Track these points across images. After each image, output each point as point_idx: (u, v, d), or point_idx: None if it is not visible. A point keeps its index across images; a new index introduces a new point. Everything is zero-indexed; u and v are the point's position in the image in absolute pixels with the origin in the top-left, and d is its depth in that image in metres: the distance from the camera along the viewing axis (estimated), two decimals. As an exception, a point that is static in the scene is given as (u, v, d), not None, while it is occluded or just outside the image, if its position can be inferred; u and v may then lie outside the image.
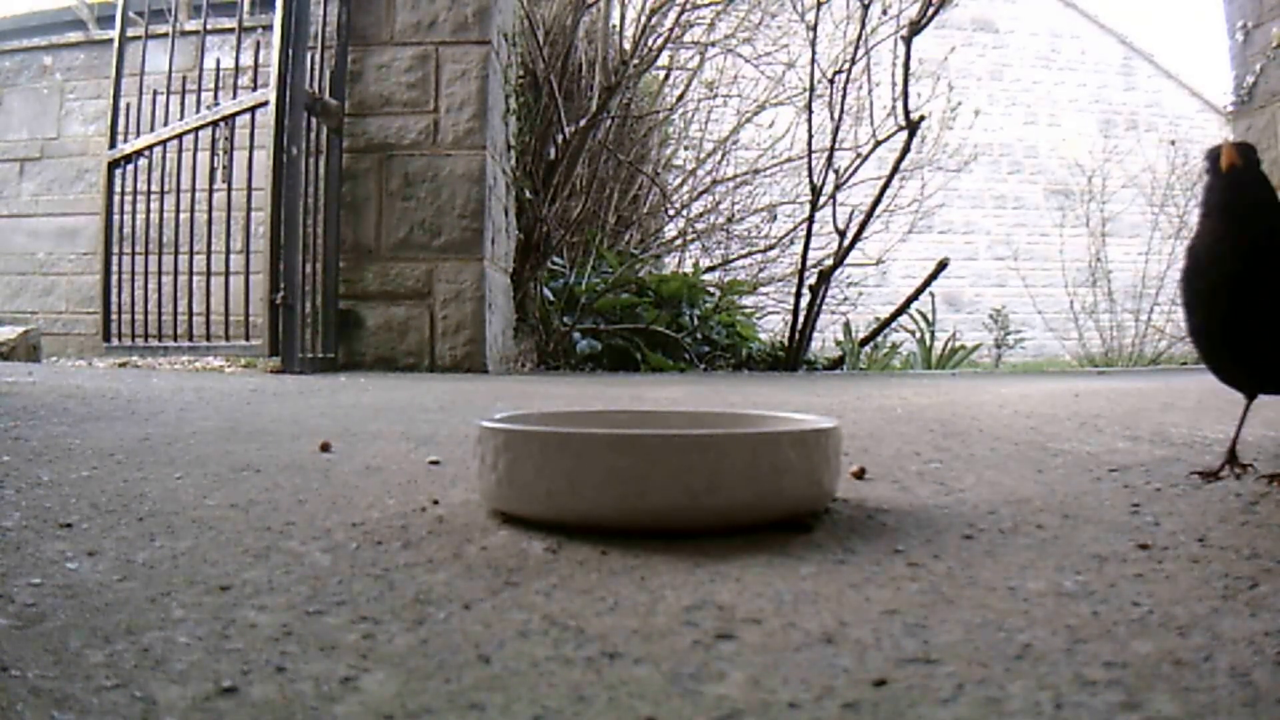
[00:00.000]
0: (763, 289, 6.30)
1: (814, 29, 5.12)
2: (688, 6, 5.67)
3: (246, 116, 3.70)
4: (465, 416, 1.69)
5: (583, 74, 5.41)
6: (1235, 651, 0.49)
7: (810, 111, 5.16)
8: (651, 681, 0.47)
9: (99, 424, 1.57)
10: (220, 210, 3.77)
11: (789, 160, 6.29)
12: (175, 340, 3.85)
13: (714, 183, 6.51)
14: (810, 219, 5.23)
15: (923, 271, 5.92)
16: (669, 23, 5.66)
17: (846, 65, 5.16)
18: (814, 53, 5.13)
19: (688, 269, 6.18)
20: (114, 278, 4.05)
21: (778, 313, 6.12)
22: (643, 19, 5.45)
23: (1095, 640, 0.52)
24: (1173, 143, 7.91)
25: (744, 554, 0.71)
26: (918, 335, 6.12)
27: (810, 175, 5.16)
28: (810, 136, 5.14)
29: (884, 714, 0.43)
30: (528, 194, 4.75)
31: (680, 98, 6.42)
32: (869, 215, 5.22)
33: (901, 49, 4.90)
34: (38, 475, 1.05)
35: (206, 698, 0.45)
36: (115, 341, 4.01)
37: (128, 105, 4.10)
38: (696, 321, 5.22)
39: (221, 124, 3.77)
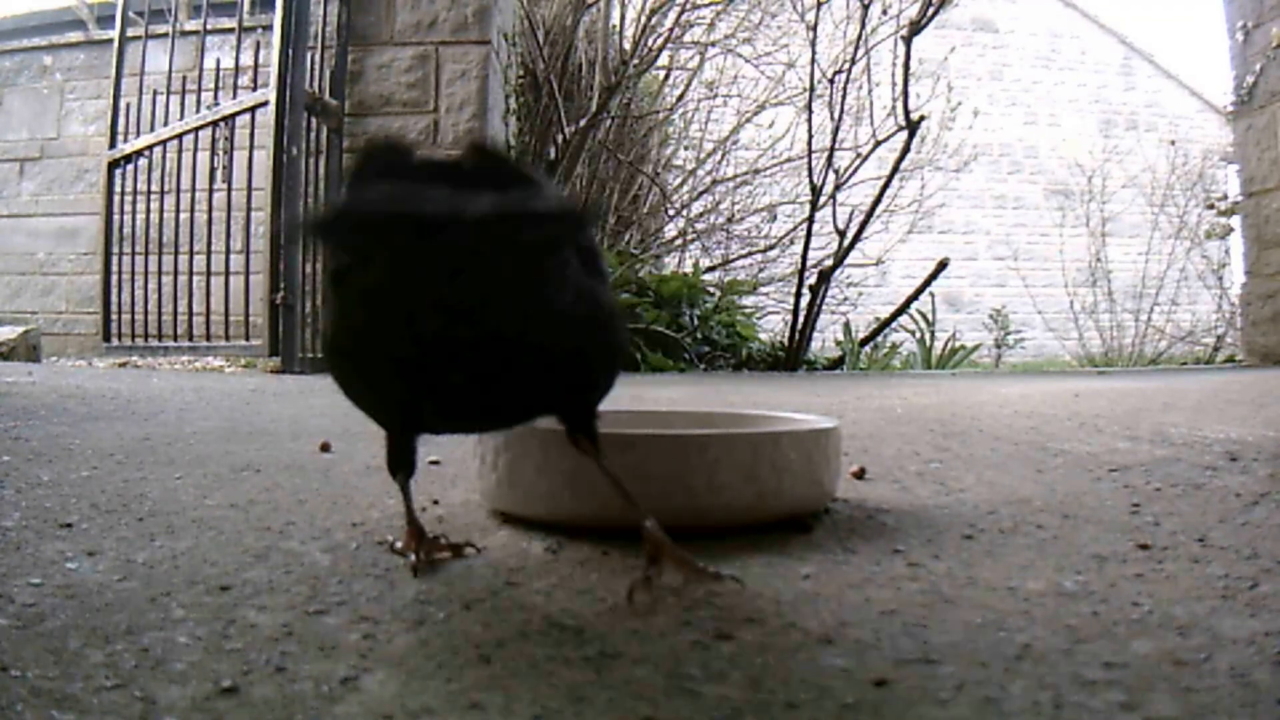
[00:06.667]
0: (763, 289, 6.30)
1: (814, 29, 5.11)
2: (688, 6, 5.67)
3: (246, 116, 3.70)
4: (465, 416, 1.68)
5: (583, 74, 5.40)
6: (1235, 651, 0.49)
7: (810, 111, 5.15)
8: (651, 681, 0.47)
9: (99, 424, 1.57)
10: (220, 210, 3.76)
11: (789, 160, 6.28)
12: (175, 340, 3.85)
13: (714, 183, 6.51)
14: (810, 219, 5.23)
15: (923, 271, 5.92)
16: (669, 23, 5.66)
17: (846, 65, 5.15)
18: (814, 53, 5.13)
19: (688, 269, 6.17)
20: (114, 278, 4.05)
21: (778, 313, 6.11)
22: (643, 19, 5.45)
23: (1095, 640, 0.52)
24: (1173, 143, 7.91)
25: (744, 554, 0.71)
26: (918, 335, 6.12)
27: (810, 175, 5.16)
28: (810, 136, 5.14)
29: (884, 714, 0.43)
30: (528, 194, 4.74)
31: (680, 98, 6.42)
32: (869, 215, 5.22)
33: (901, 49, 4.90)
34: (38, 475, 1.05)
35: (206, 698, 0.45)
36: (115, 341, 4.01)
37: (128, 105, 4.10)
38: (696, 321, 5.22)
39: (221, 124, 3.77)
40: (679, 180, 6.65)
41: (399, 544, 0.72)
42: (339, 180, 3.91)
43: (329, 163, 3.86)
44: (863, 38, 5.11)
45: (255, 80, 3.76)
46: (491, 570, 0.68)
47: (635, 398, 2.50)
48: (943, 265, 5.59)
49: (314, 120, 3.75)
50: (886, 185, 5.25)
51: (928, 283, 5.60)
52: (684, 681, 0.47)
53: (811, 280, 5.23)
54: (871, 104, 5.25)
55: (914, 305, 5.69)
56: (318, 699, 0.45)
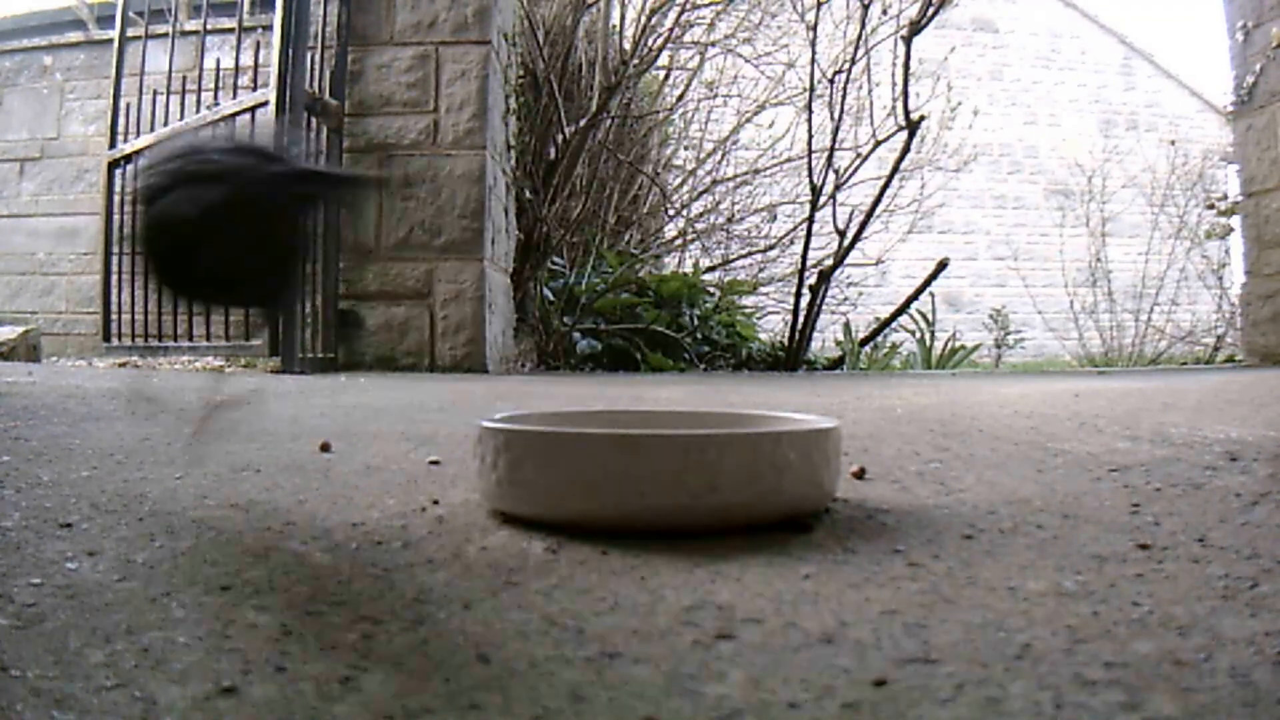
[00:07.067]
0: (763, 289, 6.30)
1: (814, 29, 5.11)
2: (688, 6, 5.67)
3: (246, 116, 3.70)
4: (465, 416, 1.69)
5: (583, 74, 5.41)
6: (1235, 651, 0.49)
7: (810, 111, 5.16)
8: (651, 681, 0.47)
9: (99, 424, 1.57)
10: (220, 210, 3.76)
11: (789, 160, 6.29)
12: (175, 340, 3.85)
13: (714, 183, 6.51)
14: (810, 219, 5.23)
15: (923, 271, 5.92)
16: (669, 23, 5.66)
17: (846, 65, 5.16)
18: (814, 53, 5.13)
19: (688, 269, 6.18)
20: (114, 278, 4.05)
21: (778, 313, 6.12)
22: (643, 19, 5.45)
23: (1095, 640, 0.52)
24: (1173, 143, 7.91)
25: (744, 554, 0.71)
26: (918, 335, 6.12)
27: (810, 175, 5.16)
28: (810, 136, 5.14)
29: (884, 714, 0.43)
30: (528, 194, 4.75)
31: (680, 98, 6.42)
32: (869, 215, 5.22)
33: (901, 49, 4.90)
34: (38, 475, 1.05)
35: (206, 698, 0.45)
36: (115, 341, 4.01)
37: (128, 105, 4.10)
38: (696, 321, 5.22)
39: (221, 124, 3.77)
40: (679, 180, 6.65)
41: None
42: (339, 180, 3.91)
43: (329, 163, 3.86)
44: (863, 38, 5.11)
45: (255, 80, 3.76)
46: (491, 570, 0.68)
47: (635, 398, 2.50)
48: (943, 265, 5.59)
49: (314, 120, 3.75)
50: (886, 185, 5.25)
51: (928, 283, 5.61)
52: (684, 681, 0.47)
53: (811, 280, 5.23)
54: (871, 104, 5.25)
55: (914, 305, 5.69)
56: (318, 699, 0.45)
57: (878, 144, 5.21)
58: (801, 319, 5.13)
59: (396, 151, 3.96)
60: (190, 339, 3.82)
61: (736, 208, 6.55)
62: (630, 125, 5.94)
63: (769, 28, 6.13)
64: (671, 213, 6.61)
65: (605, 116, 5.29)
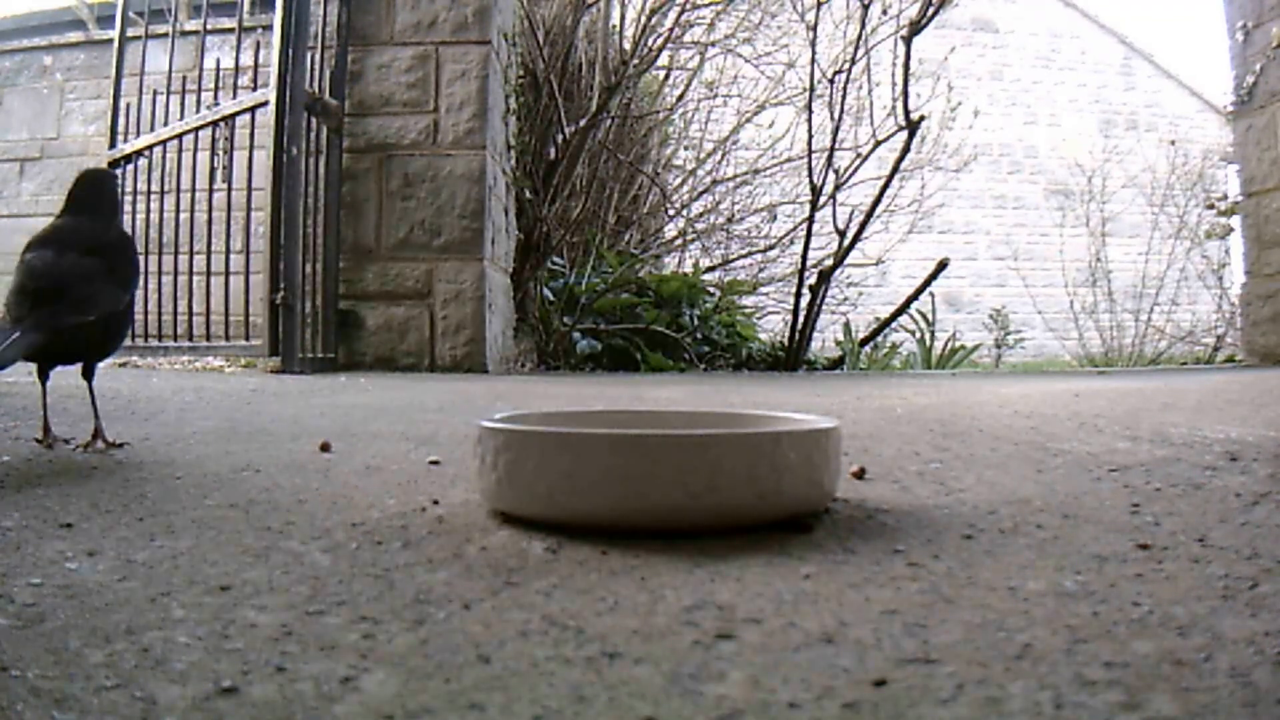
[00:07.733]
0: (763, 289, 6.30)
1: (814, 29, 5.11)
2: (688, 6, 5.67)
3: (246, 116, 3.70)
4: (465, 416, 1.69)
5: (583, 74, 5.41)
6: (1235, 651, 0.49)
7: (810, 111, 5.15)
8: (651, 681, 0.47)
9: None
10: (220, 210, 3.77)
11: (789, 160, 6.29)
12: (175, 340, 3.85)
13: (714, 183, 6.52)
14: (810, 219, 5.23)
15: (923, 271, 5.92)
16: (669, 23, 5.66)
17: (846, 65, 5.16)
18: (814, 53, 5.13)
19: (688, 269, 6.18)
20: (114, 278, 4.04)
21: (778, 313, 6.12)
22: (643, 19, 5.45)
23: (1095, 640, 0.52)
24: (1173, 143, 7.92)
25: (744, 554, 0.71)
26: (918, 335, 6.12)
27: (810, 175, 5.16)
28: (810, 136, 5.14)
29: (884, 714, 0.43)
30: (528, 194, 4.75)
31: (680, 98, 6.42)
32: (869, 215, 5.22)
33: (901, 49, 4.90)
34: (38, 475, 1.05)
35: (206, 698, 0.45)
36: (115, 341, 4.00)
37: (128, 105, 4.10)
38: (696, 321, 5.22)
39: (221, 124, 3.77)
40: (679, 180, 6.65)
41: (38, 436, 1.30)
42: (339, 180, 3.91)
43: (329, 163, 3.86)
44: (863, 38, 5.11)
45: (255, 80, 3.76)
46: (491, 570, 0.68)
47: (635, 398, 2.50)
48: (943, 265, 5.59)
49: (314, 120, 3.75)
50: (886, 185, 5.25)
51: (928, 283, 5.61)
52: (684, 681, 0.47)
53: (811, 280, 5.23)
54: (871, 104, 5.25)
55: (914, 305, 5.69)
56: (318, 699, 0.45)
57: (878, 144, 5.21)
58: (801, 319, 5.13)
59: (396, 151, 3.96)
60: (190, 339, 3.83)
61: (736, 208, 6.55)
62: (630, 125, 5.94)
63: (769, 28, 6.13)
64: (671, 213, 6.61)
65: (605, 116, 5.29)
